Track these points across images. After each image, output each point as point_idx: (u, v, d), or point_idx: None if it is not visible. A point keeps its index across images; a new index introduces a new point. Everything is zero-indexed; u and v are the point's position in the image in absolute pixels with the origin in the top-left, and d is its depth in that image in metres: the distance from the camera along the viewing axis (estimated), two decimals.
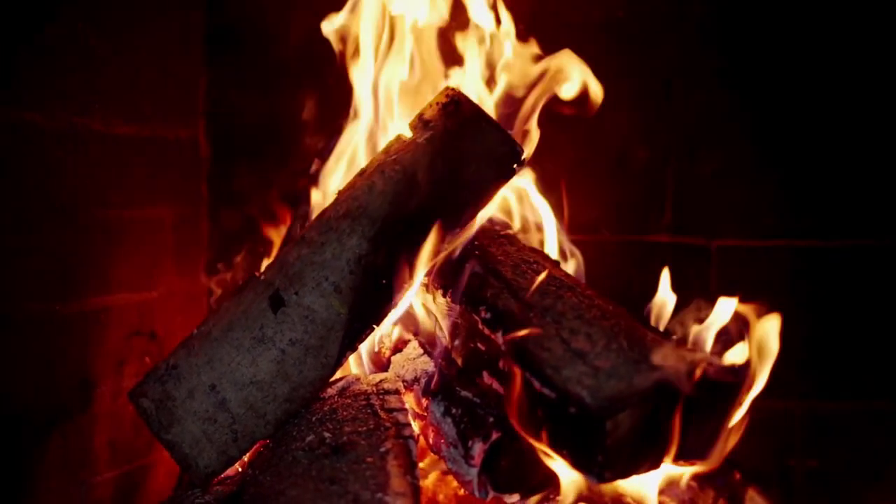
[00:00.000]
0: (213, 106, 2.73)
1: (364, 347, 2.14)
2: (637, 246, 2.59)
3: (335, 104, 2.48)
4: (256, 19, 2.73)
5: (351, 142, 2.40)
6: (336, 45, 2.39)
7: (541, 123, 2.28)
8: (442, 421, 1.91)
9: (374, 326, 1.94)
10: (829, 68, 2.46)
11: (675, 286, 2.06)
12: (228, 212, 2.74)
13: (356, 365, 2.20)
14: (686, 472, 1.82)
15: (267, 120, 2.75)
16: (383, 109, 2.34)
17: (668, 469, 1.78)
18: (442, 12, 2.34)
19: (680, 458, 1.71)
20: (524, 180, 2.32)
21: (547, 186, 2.35)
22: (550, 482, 1.78)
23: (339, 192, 1.99)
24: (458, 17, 2.35)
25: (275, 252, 2.47)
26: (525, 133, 2.21)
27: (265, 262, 1.99)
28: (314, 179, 2.42)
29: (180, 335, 1.97)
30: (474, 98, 2.04)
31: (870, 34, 2.45)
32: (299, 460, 1.68)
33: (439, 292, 2.04)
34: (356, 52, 2.37)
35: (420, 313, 2.18)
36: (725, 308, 1.87)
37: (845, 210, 2.48)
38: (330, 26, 2.39)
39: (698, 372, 1.67)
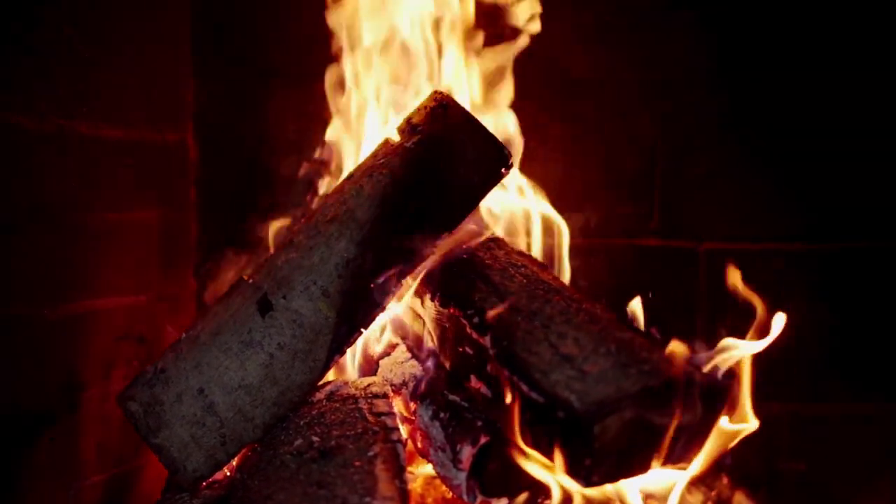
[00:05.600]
0: (202, 109, 2.72)
1: (352, 351, 2.13)
2: (626, 249, 2.60)
3: (324, 108, 2.48)
4: (244, 22, 2.73)
5: (342, 145, 2.41)
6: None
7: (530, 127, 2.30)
8: (430, 425, 1.92)
9: (363, 330, 1.95)
10: (819, 72, 2.47)
11: (664, 290, 2.06)
12: (217, 215, 2.73)
13: (344, 369, 2.20)
14: (676, 477, 1.83)
15: (256, 123, 2.74)
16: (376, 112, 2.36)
17: (657, 473, 1.78)
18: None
19: (668, 462, 1.71)
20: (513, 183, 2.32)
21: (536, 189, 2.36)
22: (538, 486, 1.78)
23: (328, 196, 1.99)
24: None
25: (263, 256, 2.47)
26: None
27: (253, 266, 1.98)
28: (304, 182, 2.42)
29: (168, 339, 1.97)
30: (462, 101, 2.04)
31: (857, 39, 2.46)
32: (287, 464, 1.68)
33: (428, 296, 2.04)
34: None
35: (408, 317, 2.18)
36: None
37: (834, 213, 2.49)
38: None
39: (686, 376, 1.68)
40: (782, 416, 2.21)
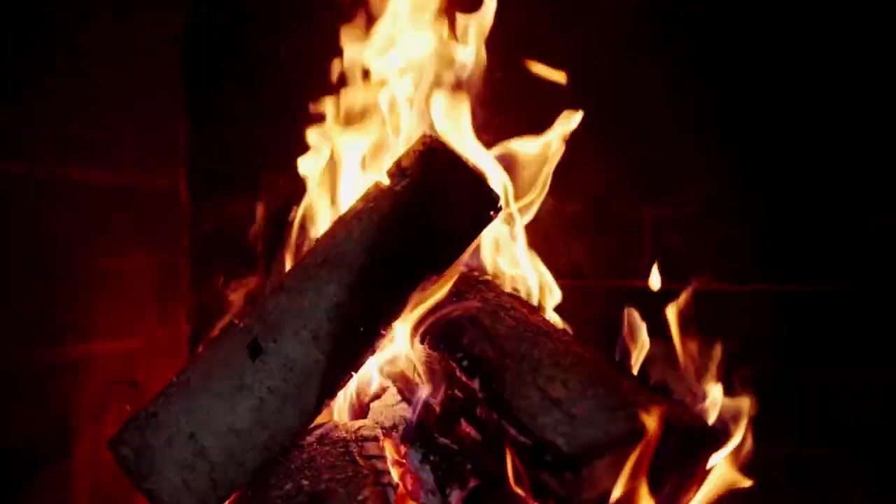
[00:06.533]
0: (194, 154, 2.73)
1: (343, 394, 2.14)
2: (616, 291, 2.60)
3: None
4: (236, 68, 2.76)
5: (329, 186, 2.41)
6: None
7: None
8: (420, 468, 1.91)
9: (353, 373, 1.95)
10: (807, 113, 2.49)
11: (654, 330, 2.08)
12: (208, 259, 2.74)
13: (335, 412, 2.20)
14: None
15: (248, 166, 2.75)
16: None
17: None
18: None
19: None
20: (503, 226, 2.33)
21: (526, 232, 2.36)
22: None
23: (318, 240, 2.00)
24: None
25: (254, 299, 2.47)
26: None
27: (243, 310, 1.99)
28: (292, 225, 2.43)
29: (161, 383, 1.97)
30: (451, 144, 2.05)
31: (846, 77, 2.48)
32: None
33: (417, 339, 2.04)
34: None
35: (399, 360, 2.18)
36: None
37: (821, 256, 2.50)
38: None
39: (675, 419, 1.68)
40: (771, 458, 2.19)
